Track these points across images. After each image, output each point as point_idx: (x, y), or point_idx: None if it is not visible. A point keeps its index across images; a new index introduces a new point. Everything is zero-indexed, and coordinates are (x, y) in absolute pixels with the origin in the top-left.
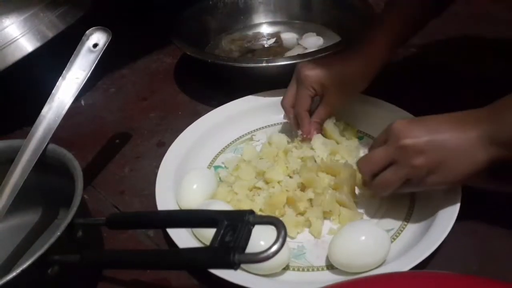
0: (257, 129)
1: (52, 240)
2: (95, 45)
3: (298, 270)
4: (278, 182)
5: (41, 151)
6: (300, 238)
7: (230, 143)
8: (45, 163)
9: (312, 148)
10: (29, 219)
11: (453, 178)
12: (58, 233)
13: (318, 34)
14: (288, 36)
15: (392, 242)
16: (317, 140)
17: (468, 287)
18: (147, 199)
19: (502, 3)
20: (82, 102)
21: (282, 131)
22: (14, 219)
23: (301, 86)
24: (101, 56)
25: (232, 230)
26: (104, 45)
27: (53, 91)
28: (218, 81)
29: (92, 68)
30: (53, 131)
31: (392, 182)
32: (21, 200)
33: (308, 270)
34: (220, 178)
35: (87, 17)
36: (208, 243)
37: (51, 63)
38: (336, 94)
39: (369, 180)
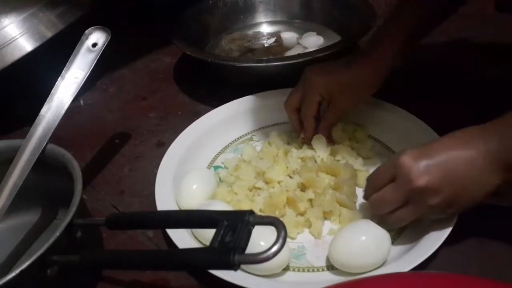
0: (257, 129)
1: (51, 240)
2: (94, 45)
3: (299, 270)
4: (278, 182)
5: (40, 151)
6: (300, 238)
7: (230, 143)
8: (44, 163)
9: (312, 148)
10: (28, 219)
11: (468, 206)
12: (58, 233)
13: (318, 34)
14: (288, 36)
15: (392, 242)
16: (318, 140)
17: None
18: (147, 199)
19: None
20: (82, 102)
21: (282, 131)
22: (13, 219)
23: (309, 91)
24: (100, 56)
25: (232, 231)
26: (104, 44)
27: (52, 90)
28: (218, 81)
29: (91, 67)
30: (52, 131)
31: (409, 219)
32: (20, 200)
33: (308, 270)
34: (220, 178)
35: (86, 16)
36: (208, 243)
37: (50, 62)
38: (344, 99)
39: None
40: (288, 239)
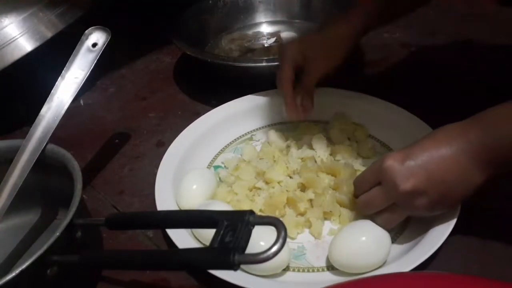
0: (257, 129)
1: (51, 240)
2: (94, 45)
3: (298, 271)
4: (278, 182)
5: (40, 151)
6: (300, 238)
7: (230, 143)
8: (44, 163)
9: (312, 148)
10: (28, 219)
11: (456, 204)
12: (57, 233)
13: None
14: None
15: (393, 242)
16: (318, 140)
17: None
18: (147, 199)
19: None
20: (81, 102)
21: (282, 131)
22: (13, 219)
23: (283, 58)
24: (100, 56)
25: (232, 231)
26: (104, 44)
27: (52, 90)
28: (218, 81)
29: (91, 67)
30: (52, 131)
31: (396, 221)
32: (20, 200)
33: (308, 271)
34: (220, 178)
35: (86, 16)
36: (207, 243)
37: (50, 62)
38: (319, 60)
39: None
40: (288, 239)
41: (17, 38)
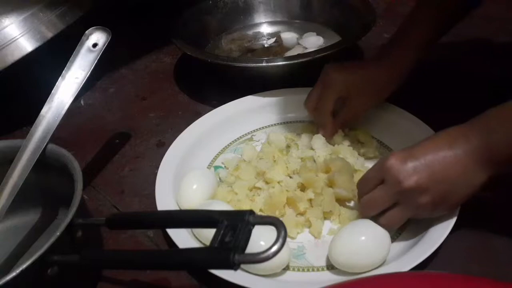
0: (257, 129)
1: (51, 240)
2: (94, 45)
3: (298, 270)
4: (278, 182)
5: (40, 151)
6: (300, 238)
7: (230, 143)
8: (44, 163)
9: (312, 149)
10: (29, 219)
11: (457, 204)
12: (58, 233)
13: (318, 34)
14: (288, 36)
15: (392, 242)
16: (317, 140)
17: None
18: (147, 199)
19: (501, 3)
20: (82, 102)
21: (282, 131)
22: (14, 219)
23: (327, 88)
24: (100, 56)
25: (232, 230)
26: (104, 44)
27: (52, 91)
28: (218, 81)
29: (92, 68)
30: (52, 131)
31: (399, 221)
32: (21, 200)
33: (308, 270)
34: (220, 178)
35: (87, 17)
36: (208, 243)
37: (51, 63)
38: (362, 98)
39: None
40: (288, 239)
41: (17, 39)
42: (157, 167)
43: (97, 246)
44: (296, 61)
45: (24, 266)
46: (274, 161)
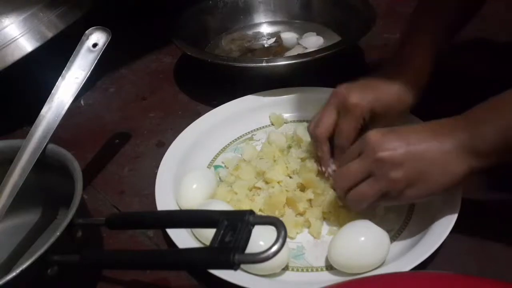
0: (257, 129)
1: (51, 240)
2: (94, 45)
3: (298, 270)
4: (278, 182)
5: (40, 151)
6: (300, 238)
7: (230, 143)
8: (44, 163)
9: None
10: (29, 219)
11: (432, 190)
12: (58, 233)
13: (318, 34)
14: (288, 36)
15: (392, 242)
16: None
17: None
18: (147, 199)
19: (501, 3)
20: (82, 102)
21: (282, 130)
22: (14, 219)
23: (348, 116)
24: (100, 56)
25: (232, 230)
26: (104, 44)
27: (52, 91)
28: (218, 81)
29: (92, 67)
30: (52, 131)
31: (368, 195)
32: (21, 200)
33: (307, 270)
34: (220, 178)
35: (87, 17)
36: (208, 243)
37: (51, 63)
38: (389, 120)
39: (344, 195)
40: (287, 239)
41: (17, 39)
42: (157, 167)
43: (97, 246)
44: (296, 61)
45: (24, 266)
46: (274, 161)
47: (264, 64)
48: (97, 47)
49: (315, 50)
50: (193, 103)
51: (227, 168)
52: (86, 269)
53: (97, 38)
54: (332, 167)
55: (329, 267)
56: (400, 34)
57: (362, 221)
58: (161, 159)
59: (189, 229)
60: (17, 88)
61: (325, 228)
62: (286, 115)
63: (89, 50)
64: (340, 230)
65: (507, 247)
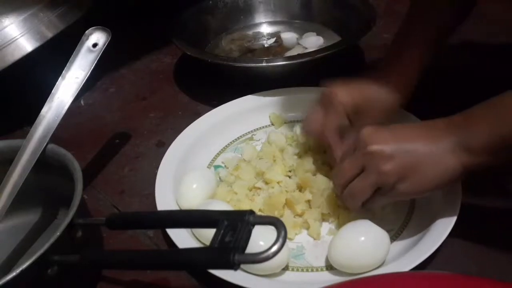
0: (257, 129)
1: (51, 240)
2: (94, 45)
3: (298, 270)
4: (278, 183)
5: (40, 151)
6: (300, 238)
7: (230, 143)
8: (44, 163)
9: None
10: (29, 219)
11: (424, 186)
12: (58, 233)
13: (318, 34)
14: (288, 36)
15: (392, 242)
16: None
17: None
18: (147, 199)
19: (500, 3)
20: (82, 102)
21: (282, 130)
22: (14, 219)
23: (332, 113)
24: (100, 56)
25: (232, 230)
26: (104, 44)
27: (52, 91)
28: (218, 81)
29: (92, 67)
30: (52, 131)
31: (361, 190)
32: (21, 200)
33: (307, 270)
34: (220, 178)
35: (87, 17)
36: (208, 243)
37: (51, 63)
38: (371, 114)
39: (341, 192)
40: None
41: (17, 39)
42: (157, 167)
43: (97, 246)
44: (296, 61)
45: (24, 266)
46: (274, 161)
47: (264, 64)
48: (97, 47)
49: (315, 50)
50: (193, 103)
51: (227, 168)
52: (86, 269)
53: (97, 38)
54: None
55: (329, 267)
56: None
57: (362, 221)
58: (161, 159)
59: (189, 229)
60: (17, 88)
61: (325, 228)
62: (286, 115)
63: (89, 50)
64: (340, 230)
65: (507, 247)
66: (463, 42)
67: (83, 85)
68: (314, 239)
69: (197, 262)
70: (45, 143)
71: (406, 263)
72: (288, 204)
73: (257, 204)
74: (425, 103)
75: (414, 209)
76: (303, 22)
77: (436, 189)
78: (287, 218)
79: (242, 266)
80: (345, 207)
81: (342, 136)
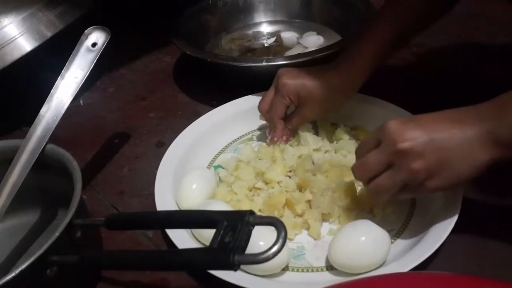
0: (257, 129)
1: (51, 240)
2: (94, 45)
3: (298, 270)
4: (278, 183)
5: (39, 151)
6: (300, 238)
7: (230, 143)
8: (43, 163)
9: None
10: (28, 219)
11: (453, 182)
12: (57, 234)
13: (318, 33)
14: (288, 35)
15: (392, 242)
16: (305, 132)
17: None
18: (146, 199)
19: (501, 3)
20: (81, 102)
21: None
22: (13, 219)
23: (278, 94)
24: (100, 56)
25: (232, 231)
26: (103, 44)
27: (51, 90)
28: (218, 81)
29: (91, 67)
30: (51, 131)
31: (388, 187)
32: (20, 201)
33: (307, 271)
34: (219, 178)
35: (86, 16)
36: (207, 243)
37: (50, 62)
38: (312, 107)
39: (366, 185)
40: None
41: (16, 38)
42: (157, 167)
43: (96, 246)
44: (296, 61)
45: (23, 266)
46: (274, 161)
47: (264, 63)
48: (96, 47)
49: (315, 50)
50: (193, 103)
51: (227, 169)
52: (86, 270)
53: (96, 37)
54: (269, 137)
55: (330, 267)
56: None
57: (362, 221)
58: (160, 159)
59: (188, 230)
60: (16, 88)
61: (325, 228)
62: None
63: (88, 50)
64: (340, 230)
65: (507, 247)
66: (463, 42)
67: (82, 85)
68: (314, 239)
69: (196, 263)
70: (44, 143)
71: (407, 263)
72: (288, 204)
73: (257, 205)
74: (425, 103)
75: (414, 209)
76: (303, 22)
77: (463, 183)
78: (287, 218)
79: (242, 266)
80: (345, 207)
81: (285, 117)
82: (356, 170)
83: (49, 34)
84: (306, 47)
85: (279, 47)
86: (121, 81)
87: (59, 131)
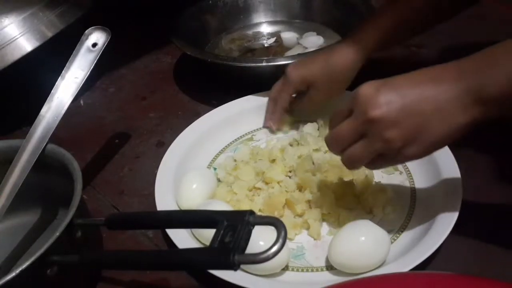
0: (257, 129)
1: (51, 240)
2: (94, 45)
3: (298, 270)
4: (278, 183)
5: (40, 151)
6: (300, 238)
7: (230, 143)
8: (44, 163)
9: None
10: (28, 219)
11: (431, 147)
12: (57, 233)
13: (318, 34)
14: (288, 36)
15: (392, 242)
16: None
17: None
18: (147, 199)
19: (501, 3)
20: (81, 102)
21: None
22: (13, 219)
23: (285, 83)
24: (100, 56)
25: (232, 231)
26: (104, 44)
27: (52, 90)
28: (218, 81)
29: (91, 67)
30: (52, 131)
31: (363, 157)
32: (20, 200)
33: (307, 270)
34: (219, 178)
35: (86, 16)
36: (207, 243)
37: (50, 62)
38: (319, 88)
39: (339, 154)
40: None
41: (17, 38)
42: (157, 167)
43: (96, 246)
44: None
45: (23, 266)
46: (274, 160)
47: (264, 64)
48: (97, 47)
49: (315, 50)
50: (193, 103)
51: (227, 169)
52: (86, 269)
53: (96, 37)
54: (266, 123)
55: (329, 267)
56: None
57: (362, 221)
58: (160, 159)
59: (189, 230)
60: (17, 88)
61: (325, 228)
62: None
63: (89, 50)
64: (340, 230)
65: (507, 247)
66: (463, 42)
67: (83, 85)
68: (314, 239)
69: (197, 263)
70: (45, 143)
71: (406, 263)
72: (288, 204)
73: (257, 204)
74: None
75: (414, 209)
76: (303, 22)
77: (442, 147)
78: (287, 218)
79: (242, 266)
80: (345, 207)
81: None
82: (328, 141)
83: (49, 34)
84: (306, 48)
85: (279, 48)
86: (121, 81)
87: (60, 131)
